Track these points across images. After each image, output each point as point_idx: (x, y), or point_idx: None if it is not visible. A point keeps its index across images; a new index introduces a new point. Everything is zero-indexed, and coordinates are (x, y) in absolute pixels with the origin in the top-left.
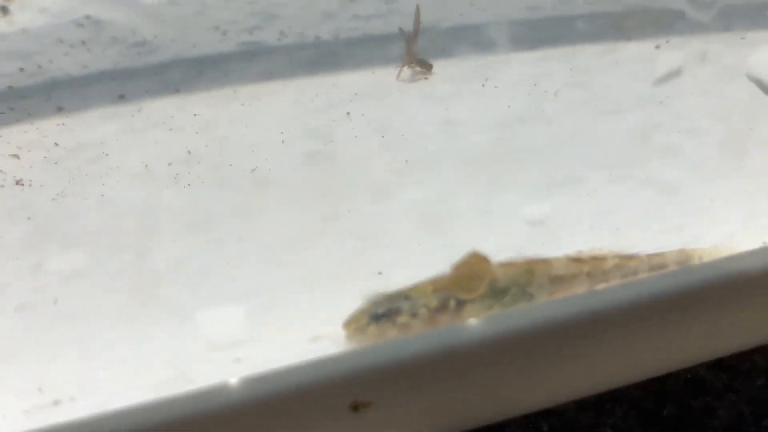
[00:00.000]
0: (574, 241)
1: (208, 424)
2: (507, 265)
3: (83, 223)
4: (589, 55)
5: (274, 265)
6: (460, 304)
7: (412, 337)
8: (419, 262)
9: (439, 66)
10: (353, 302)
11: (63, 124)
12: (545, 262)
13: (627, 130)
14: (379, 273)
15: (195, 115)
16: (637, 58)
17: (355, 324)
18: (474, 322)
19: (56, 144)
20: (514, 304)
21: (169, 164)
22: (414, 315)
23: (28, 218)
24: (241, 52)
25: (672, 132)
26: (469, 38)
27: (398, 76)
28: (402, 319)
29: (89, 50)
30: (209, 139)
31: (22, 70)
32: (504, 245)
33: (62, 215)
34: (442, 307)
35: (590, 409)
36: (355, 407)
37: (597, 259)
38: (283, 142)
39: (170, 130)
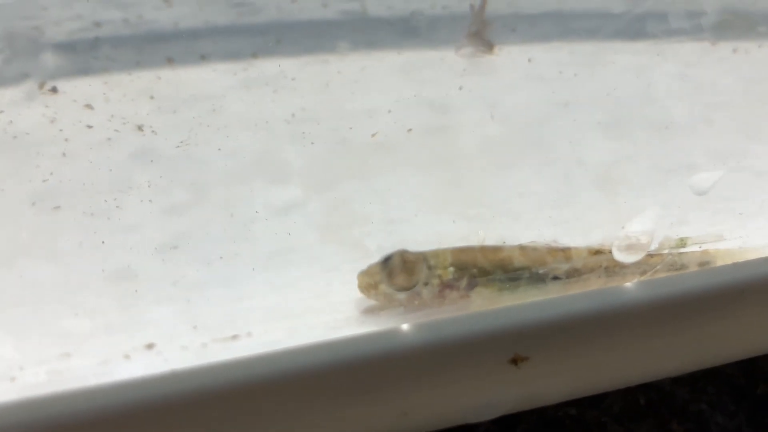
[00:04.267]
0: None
1: (378, 364)
2: (529, 248)
3: (210, 171)
4: (687, 51)
5: (403, 227)
6: (472, 282)
7: (574, 296)
8: (542, 233)
9: (539, 50)
10: None
11: (173, 76)
12: (565, 252)
13: (738, 123)
14: (503, 241)
15: (293, 79)
16: (731, 57)
17: (368, 277)
18: (625, 287)
19: (169, 95)
20: (527, 289)
21: (287, 122)
22: (426, 284)
23: (152, 161)
24: (342, 21)
25: None
26: (565, 26)
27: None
28: None
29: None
30: (320, 102)
31: (125, 20)
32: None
33: (187, 162)
34: (455, 282)
35: (685, 385)
36: (515, 361)
37: None
38: (394, 111)
39: (276, 91)
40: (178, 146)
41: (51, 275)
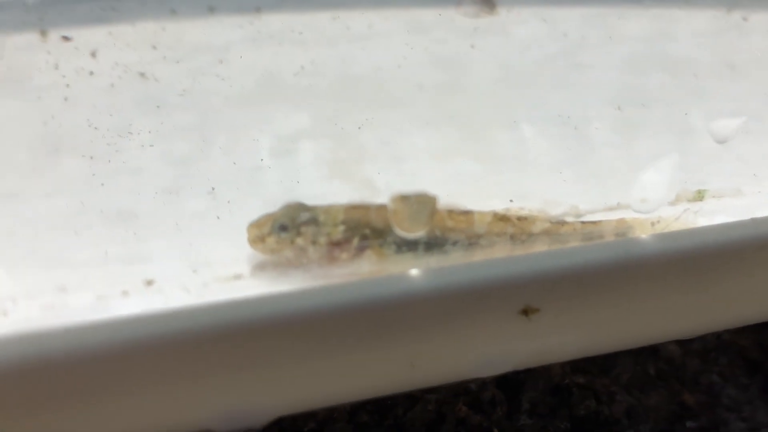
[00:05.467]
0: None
1: (387, 309)
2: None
3: (214, 119)
4: (706, 18)
5: (412, 177)
6: (363, 244)
7: (589, 246)
8: (558, 189)
9: (551, 13)
10: None
11: (177, 27)
12: (467, 215)
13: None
14: (510, 201)
15: (300, 33)
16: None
17: (257, 229)
18: (641, 239)
19: (174, 45)
20: (424, 254)
21: (294, 74)
22: (314, 242)
23: (154, 108)
24: None
25: None
26: None
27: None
28: (301, 241)
29: None
30: (327, 56)
31: None
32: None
33: (190, 110)
34: (345, 242)
35: (696, 356)
36: (525, 312)
37: (524, 221)
38: (404, 66)
39: (282, 44)
40: (182, 95)
41: (48, 215)
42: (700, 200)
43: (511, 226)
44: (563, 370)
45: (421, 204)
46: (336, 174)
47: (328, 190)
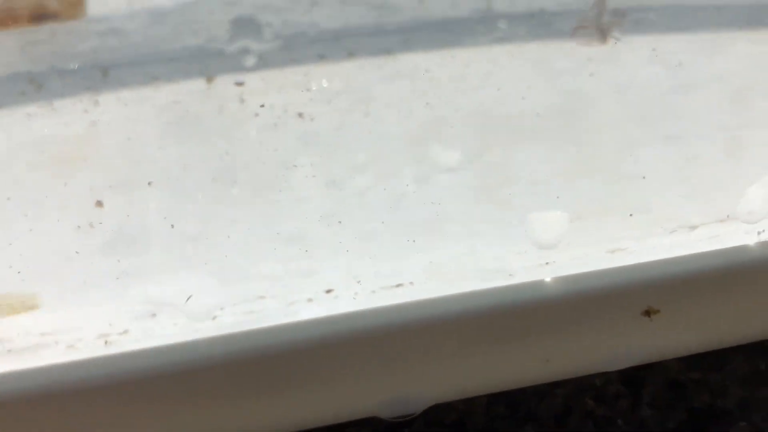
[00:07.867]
0: None
1: (525, 313)
2: None
3: (363, 152)
4: None
5: (543, 196)
6: None
7: (705, 254)
8: (673, 204)
9: (660, 41)
10: (615, 232)
11: (323, 70)
12: None
13: None
14: (630, 215)
15: (427, 72)
16: None
17: None
18: (750, 246)
19: (322, 87)
20: None
21: (428, 109)
22: None
23: (312, 144)
24: (470, 18)
25: None
26: (684, 17)
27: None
28: None
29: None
30: (455, 92)
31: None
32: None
33: (343, 145)
34: None
35: None
36: (648, 313)
37: None
38: (527, 98)
39: (414, 82)
40: (334, 131)
41: (237, 238)
42: None
43: None
44: (679, 366)
45: None
46: (479, 197)
47: (472, 214)
